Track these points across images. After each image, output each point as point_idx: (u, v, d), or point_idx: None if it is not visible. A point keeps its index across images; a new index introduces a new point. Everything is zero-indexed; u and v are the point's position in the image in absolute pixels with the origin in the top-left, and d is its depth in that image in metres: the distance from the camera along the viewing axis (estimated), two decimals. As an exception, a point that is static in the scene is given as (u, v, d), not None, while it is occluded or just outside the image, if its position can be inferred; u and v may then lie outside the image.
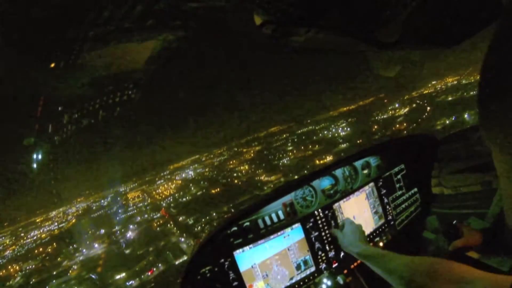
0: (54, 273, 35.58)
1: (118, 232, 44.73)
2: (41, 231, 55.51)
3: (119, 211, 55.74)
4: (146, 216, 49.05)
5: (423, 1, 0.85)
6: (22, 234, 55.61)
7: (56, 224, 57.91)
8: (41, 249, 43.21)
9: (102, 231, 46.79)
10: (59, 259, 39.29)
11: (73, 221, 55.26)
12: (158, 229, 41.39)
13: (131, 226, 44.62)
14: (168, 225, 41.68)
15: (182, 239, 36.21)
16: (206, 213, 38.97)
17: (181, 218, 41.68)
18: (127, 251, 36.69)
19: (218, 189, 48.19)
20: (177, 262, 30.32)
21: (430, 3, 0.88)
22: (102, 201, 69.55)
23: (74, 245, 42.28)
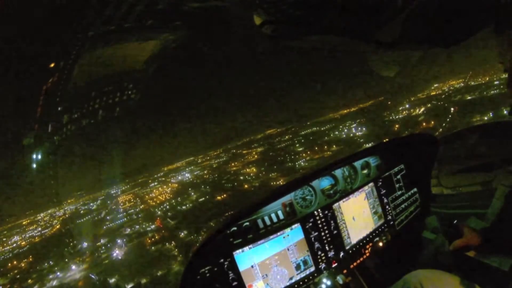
0: (20, 302, 28.97)
1: (104, 248, 36.90)
2: (23, 236, 51.00)
3: (107, 217, 49.32)
4: (137, 227, 40.97)
5: (423, 2, 0.85)
6: (5, 239, 51.19)
7: (39, 229, 53.34)
8: (15, 262, 37.81)
9: (85, 244, 39.21)
10: (29, 280, 32.59)
11: (58, 226, 49.93)
12: (153, 248, 32.19)
13: (119, 241, 37.01)
14: (167, 243, 32.44)
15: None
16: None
17: (182, 234, 32.57)
18: (112, 280, 27.63)
19: (225, 195, 40.71)
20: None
21: (430, 3, 0.88)
22: (91, 204, 63.49)
23: (51, 262, 35.46)
